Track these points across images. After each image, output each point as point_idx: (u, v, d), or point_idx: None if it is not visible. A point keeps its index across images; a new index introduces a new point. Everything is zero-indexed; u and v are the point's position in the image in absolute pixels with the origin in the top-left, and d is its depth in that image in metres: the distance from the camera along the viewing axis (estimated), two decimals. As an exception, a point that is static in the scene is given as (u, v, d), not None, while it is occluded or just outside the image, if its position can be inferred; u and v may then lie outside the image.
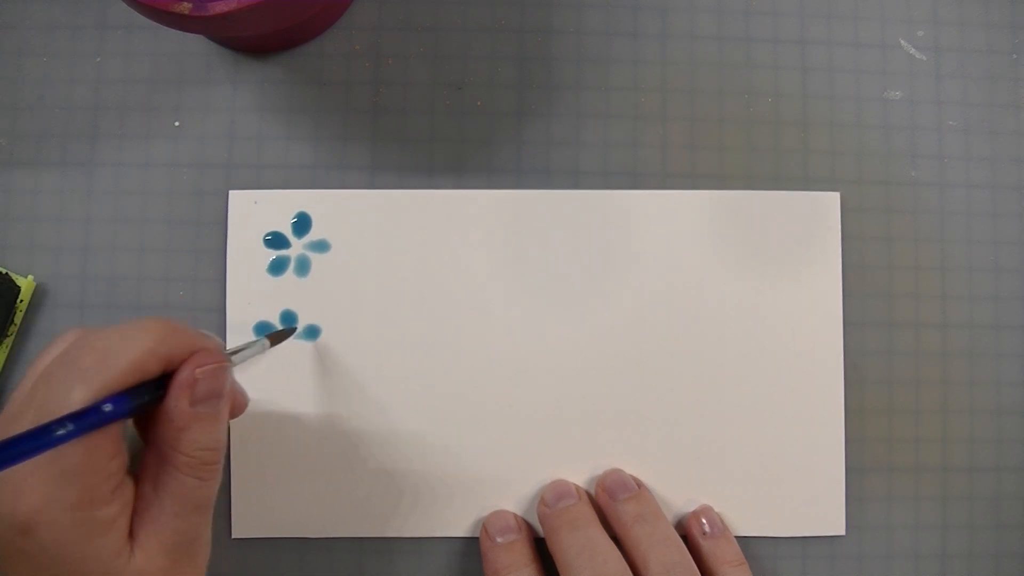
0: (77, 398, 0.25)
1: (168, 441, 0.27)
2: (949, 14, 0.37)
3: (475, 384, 0.35)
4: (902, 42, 0.37)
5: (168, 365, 0.27)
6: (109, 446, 0.25)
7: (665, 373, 0.36)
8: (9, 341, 0.35)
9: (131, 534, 0.27)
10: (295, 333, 0.35)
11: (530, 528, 0.35)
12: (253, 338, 0.35)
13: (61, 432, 0.23)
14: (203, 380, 0.27)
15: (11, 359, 0.35)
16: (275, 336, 0.33)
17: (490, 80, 0.37)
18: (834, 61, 0.37)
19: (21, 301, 0.35)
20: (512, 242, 0.36)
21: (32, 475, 0.25)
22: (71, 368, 0.25)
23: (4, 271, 0.35)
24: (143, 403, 0.26)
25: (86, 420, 0.24)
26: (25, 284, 0.35)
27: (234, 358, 0.29)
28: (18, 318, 0.35)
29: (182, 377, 0.27)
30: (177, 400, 0.27)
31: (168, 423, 0.27)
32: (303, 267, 0.36)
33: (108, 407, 0.25)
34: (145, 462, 0.28)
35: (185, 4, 0.29)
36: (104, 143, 0.36)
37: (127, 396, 0.25)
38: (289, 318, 0.35)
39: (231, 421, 0.35)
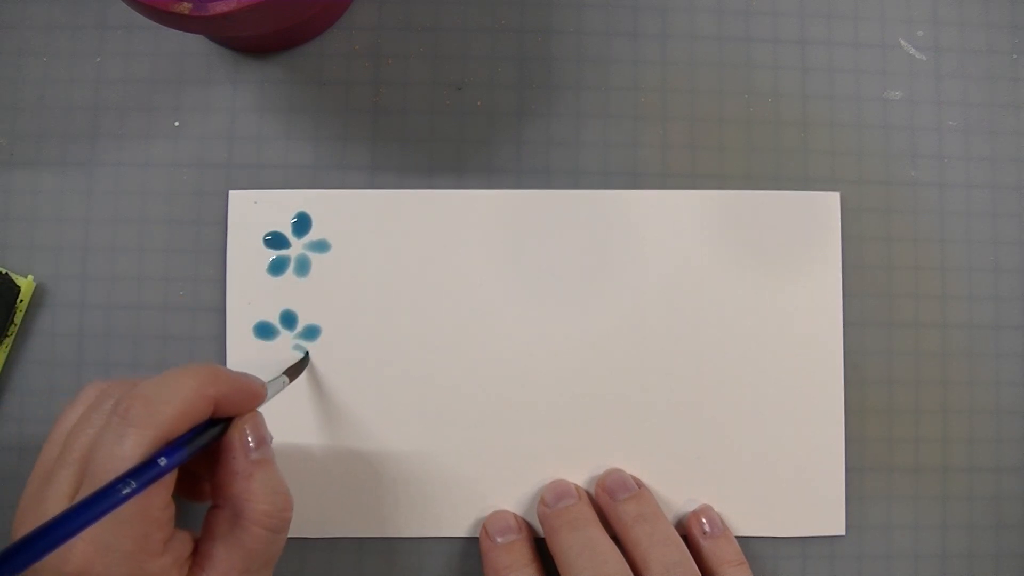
0: (130, 450, 0.24)
1: (238, 495, 0.27)
2: (949, 14, 0.37)
3: (475, 384, 0.35)
4: (902, 42, 0.37)
5: (215, 409, 0.27)
6: (162, 495, 0.25)
7: (665, 373, 0.36)
8: (9, 341, 0.35)
9: None
10: (297, 332, 0.35)
11: (530, 528, 0.35)
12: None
13: (127, 491, 0.23)
14: (252, 429, 0.28)
15: (11, 359, 0.35)
16: (292, 370, 0.33)
17: (490, 80, 0.37)
18: (834, 61, 0.37)
19: (21, 301, 0.35)
20: (512, 242, 0.36)
21: None
22: (121, 419, 0.25)
23: (4, 271, 0.35)
24: (195, 451, 0.26)
25: (147, 475, 0.24)
26: (25, 284, 0.35)
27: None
28: (18, 318, 0.35)
29: (235, 433, 0.27)
30: (236, 454, 0.27)
31: (233, 476, 0.27)
32: (303, 267, 0.36)
33: (163, 460, 0.24)
34: (211, 521, 0.27)
35: (185, 4, 0.29)
36: (104, 143, 0.36)
37: (180, 447, 0.25)
38: (289, 318, 0.35)
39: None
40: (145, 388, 0.26)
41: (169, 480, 0.25)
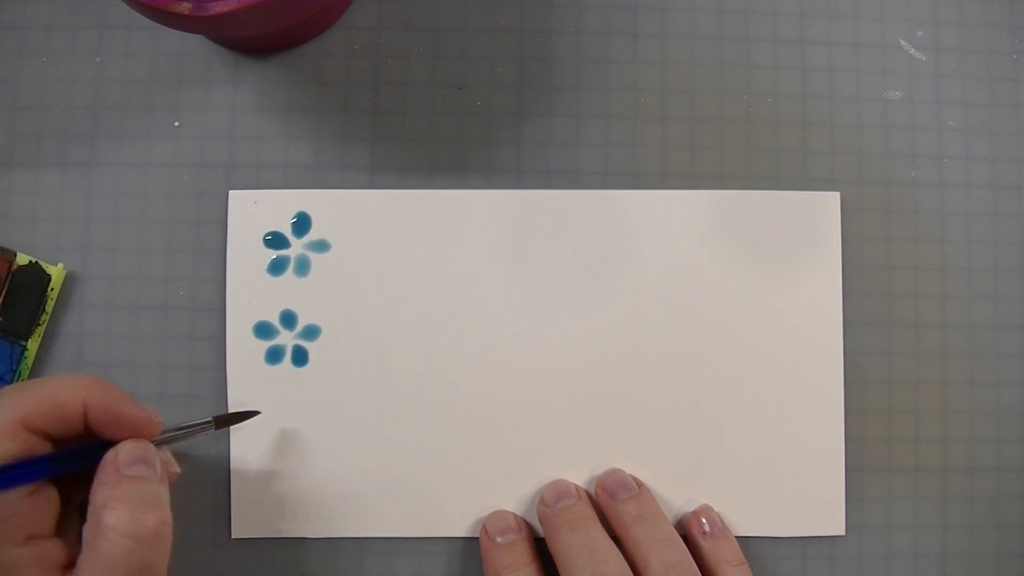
0: None
1: (100, 502, 0.27)
2: (949, 14, 0.37)
3: (475, 384, 0.35)
4: (902, 42, 0.37)
5: (89, 419, 0.28)
6: (20, 488, 0.27)
7: (665, 373, 0.36)
8: (41, 330, 0.35)
9: None
10: (297, 332, 0.35)
11: (530, 528, 0.35)
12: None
13: None
14: (132, 448, 0.28)
15: (43, 348, 0.35)
16: (224, 419, 0.33)
17: (490, 80, 0.37)
18: (834, 61, 0.37)
19: (52, 289, 0.35)
20: (512, 242, 0.36)
21: None
22: None
23: (34, 260, 0.35)
24: (69, 464, 0.28)
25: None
26: (55, 272, 0.35)
27: (172, 435, 0.31)
28: (49, 307, 0.35)
29: (111, 450, 0.28)
30: (106, 467, 0.28)
31: (100, 485, 0.28)
32: (303, 267, 0.36)
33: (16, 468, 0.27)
34: (84, 533, 0.28)
35: (185, 4, 0.29)
36: (104, 143, 0.36)
37: (47, 460, 0.27)
38: (289, 318, 0.35)
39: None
40: (18, 383, 0.29)
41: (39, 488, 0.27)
